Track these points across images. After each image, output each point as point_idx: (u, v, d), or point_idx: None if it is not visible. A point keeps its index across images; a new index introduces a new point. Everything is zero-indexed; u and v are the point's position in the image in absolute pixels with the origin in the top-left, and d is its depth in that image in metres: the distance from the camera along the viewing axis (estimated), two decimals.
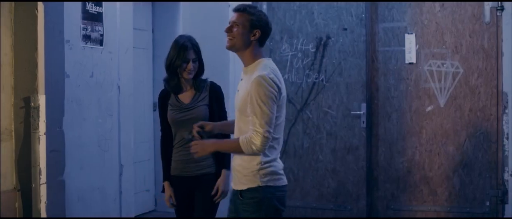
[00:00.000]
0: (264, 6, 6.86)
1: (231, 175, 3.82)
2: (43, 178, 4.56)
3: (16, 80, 4.59)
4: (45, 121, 4.57)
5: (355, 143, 6.55)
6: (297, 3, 6.73)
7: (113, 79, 5.44)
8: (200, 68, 4.44)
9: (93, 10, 5.25)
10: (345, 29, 6.58)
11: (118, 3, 5.50)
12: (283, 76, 6.72)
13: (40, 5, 4.56)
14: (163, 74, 6.37)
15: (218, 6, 7.02)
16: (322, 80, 6.68)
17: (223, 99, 4.50)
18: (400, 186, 6.48)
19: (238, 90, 3.79)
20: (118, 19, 5.51)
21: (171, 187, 4.37)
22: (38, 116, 4.53)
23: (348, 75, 6.57)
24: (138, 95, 5.96)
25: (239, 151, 3.58)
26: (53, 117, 4.72)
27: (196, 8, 6.54)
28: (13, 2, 4.60)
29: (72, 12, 5.00)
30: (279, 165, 3.75)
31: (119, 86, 5.51)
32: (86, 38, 5.17)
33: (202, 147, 3.75)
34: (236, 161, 3.71)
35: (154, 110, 6.39)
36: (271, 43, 6.84)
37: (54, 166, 4.73)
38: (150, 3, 6.33)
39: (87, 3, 5.18)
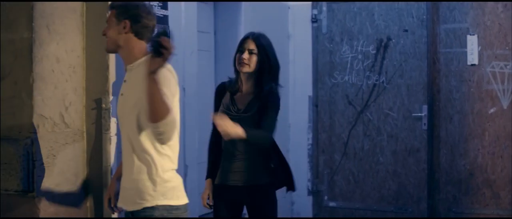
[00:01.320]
0: (324, 8, 6.87)
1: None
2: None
3: (88, 82, 4.67)
4: (116, 122, 4.66)
5: (416, 145, 6.51)
6: (358, 4, 6.72)
7: (178, 81, 5.50)
8: (266, 69, 4.02)
9: (159, 13, 5.32)
10: (406, 30, 6.55)
11: (183, 5, 5.56)
12: (343, 78, 6.81)
13: None
14: (225, 76, 6.45)
15: (278, 9, 7.07)
16: (382, 82, 6.66)
17: (272, 108, 4.02)
18: (462, 189, 6.42)
19: (122, 94, 3.37)
20: (183, 22, 5.58)
21: (213, 189, 4.18)
22: (109, 117, 4.60)
23: (409, 77, 6.53)
24: (201, 97, 6.02)
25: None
26: None
27: (257, 10, 6.59)
28: (84, 5, 4.69)
29: None
30: (179, 178, 3.38)
31: (184, 88, 5.58)
32: None
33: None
34: (128, 176, 3.31)
35: None
36: (331, 45, 6.86)
37: None
38: (212, 5, 6.40)
39: (153, 6, 5.26)
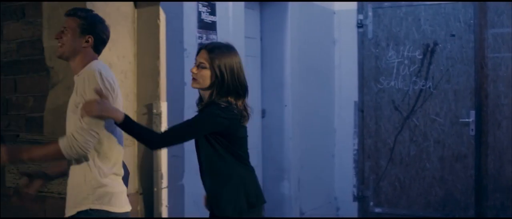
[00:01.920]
0: (369, 13, 6.86)
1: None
2: (164, 182, 4.69)
3: (139, 88, 4.73)
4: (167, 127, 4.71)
5: (464, 151, 6.45)
6: (404, 9, 6.69)
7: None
8: (216, 87, 3.37)
9: (208, 19, 5.36)
10: (453, 35, 6.50)
11: (231, 11, 5.59)
12: (389, 83, 6.79)
13: (162, 14, 4.70)
14: (272, 82, 6.49)
15: (323, 14, 7.08)
16: (429, 87, 6.62)
17: (191, 119, 3.42)
18: (510, 196, 6.34)
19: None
20: (231, 28, 5.62)
21: None
22: (160, 122, 4.65)
23: (456, 82, 6.48)
24: (249, 101, 6.05)
25: (58, 153, 3.08)
26: (174, 123, 4.83)
27: (303, 15, 6.60)
28: (135, 12, 4.76)
29: (189, 21, 5.13)
30: (119, 186, 3.28)
31: None
32: None
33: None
34: (68, 180, 3.25)
35: (263, 117, 6.48)
36: (377, 50, 6.84)
37: (174, 171, 4.85)
38: (258, 11, 6.43)
39: (202, 12, 5.30)
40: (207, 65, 3.36)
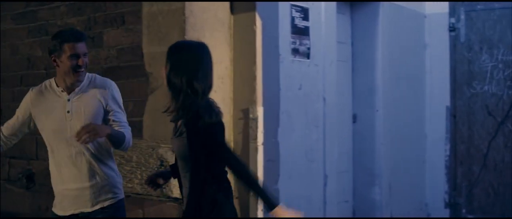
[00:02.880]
0: (462, 16, 6.75)
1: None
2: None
3: (235, 93, 4.80)
4: (263, 132, 4.76)
5: None
6: (497, 12, 6.55)
7: (318, 91, 5.56)
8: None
9: (301, 24, 5.39)
10: None
11: (323, 17, 5.60)
12: (482, 88, 6.64)
13: (258, 20, 4.75)
14: (363, 87, 6.46)
15: (414, 18, 7.00)
16: None
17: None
18: None
19: None
20: (323, 33, 5.62)
21: None
22: (257, 127, 4.71)
23: None
24: (340, 107, 6.04)
25: (122, 140, 3.51)
26: (269, 128, 4.89)
27: (394, 19, 6.54)
28: (232, 18, 4.83)
29: (283, 27, 5.17)
30: None
31: (324, 98, 5.61)
32: (295, 51, 5.32)
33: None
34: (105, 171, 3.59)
35: (354, 122, 6.45)
36: (470, 54, 6.71)
37: (270, 175, 4.89)
38: (349, 16, 6.41)
39: (295, 17, 5.33)
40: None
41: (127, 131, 3.60)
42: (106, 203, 3.57)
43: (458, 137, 6.86)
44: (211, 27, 4.70)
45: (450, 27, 6.87)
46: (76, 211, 3.57)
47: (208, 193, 3.04)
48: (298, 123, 5.33)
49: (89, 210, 3.56)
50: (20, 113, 3.63)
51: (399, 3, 6.69)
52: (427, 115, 7.09)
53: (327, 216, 5.65)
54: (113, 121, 3.56)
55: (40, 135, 3.59)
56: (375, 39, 6.40)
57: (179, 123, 3.13)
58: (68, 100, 3.53)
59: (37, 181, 5.73)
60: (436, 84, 7.03)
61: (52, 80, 3.60)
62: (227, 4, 4.87)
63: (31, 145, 5.62)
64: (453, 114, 6.88)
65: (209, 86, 3.12)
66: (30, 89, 3.62)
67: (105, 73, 5.15)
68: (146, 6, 4.79)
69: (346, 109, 6.36)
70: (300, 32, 5.40)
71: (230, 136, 4.76)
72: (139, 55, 4.89)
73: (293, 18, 5.34)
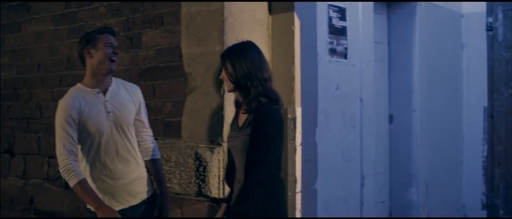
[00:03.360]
0: (499, 16, 6.68)
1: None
2: (298, 186, 4.75)
3: None
4: (301, 132, 4.76)
5: None
6: None
7: (355, 91, 5.54)
8: (235, 83, 3.35)
9: (338, 24, 5.38)
10: None
11: (360, 17, 5.59)
12: None
13: (297, 21, 4.75)
14: (400, 87, 6.43)
15: (451, 18, 6.95)
16: None
17: (259, 127, 3.19)
18: None
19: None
20: (360, 33, 5.61)
21: None
22: (295, 127, 4.71)
23: None
24: (377, 107, 6.02)
25: None
26: (308, 128, 4.88)
27: (431, 19, 6.50)
28: (270, 18, 4.84)
29: (321, 27, 5.16)
30: None
31: (361, 99, 5.59)
32: (332, 52, 5.31)
33: None
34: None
35: (390, 122, 6.42)
36: (508, 54, 6.65)
37: (308, 176, 4.89)
38: (386, 16, 6.39)
39: (332, 18, 5.32)
40: (223, 67, 3.39)
41: (155, 144, 3.95)
42: (147, 195, 3.81)
43: (495, 137, 6.79)
44: (250, 27, 4.71)
45: (487, 26, 6.81)
46: (126, 206, 3.70)
47: (262, 182, 3.17)
48: (335, 123, 5.32)
49: (136, 202, 3.75)
50: (71, 131, 3.54)
51: (436, 2, 6.65)
52: (464, 115, 7.03)
53: (364, 216, 5.63)
54: (142, 122, 3.85)
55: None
56: (412, 39, 6.36)
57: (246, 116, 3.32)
58: (107, 101, 3.65)
59: None
60: (474, 85, 6.96)
61: (80, 85, 3.68)
62: (266, 4, 4.88)
63: None
64: (491, 114, 6.81)
65: (270, 76, 3.36)
66: (60, 103, 3.60)
67: (143, 73, 5.19)
68: (185, 6, 4.82)
69: (382, 109, 6.34)
70: (338, 32, 5.38)
71: None
72: (177, 55, 4.92)
73: (330, 18, 5.33)
